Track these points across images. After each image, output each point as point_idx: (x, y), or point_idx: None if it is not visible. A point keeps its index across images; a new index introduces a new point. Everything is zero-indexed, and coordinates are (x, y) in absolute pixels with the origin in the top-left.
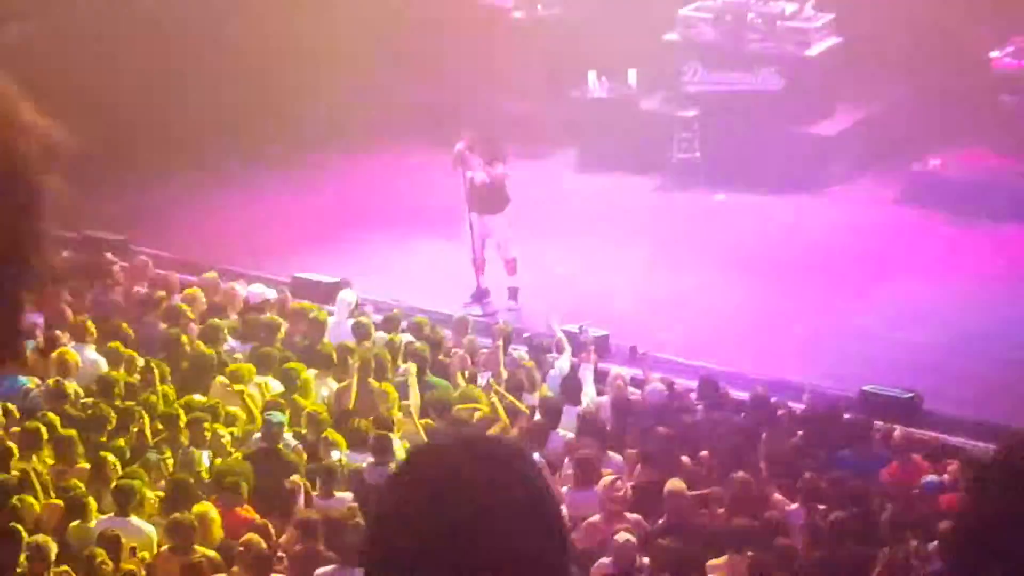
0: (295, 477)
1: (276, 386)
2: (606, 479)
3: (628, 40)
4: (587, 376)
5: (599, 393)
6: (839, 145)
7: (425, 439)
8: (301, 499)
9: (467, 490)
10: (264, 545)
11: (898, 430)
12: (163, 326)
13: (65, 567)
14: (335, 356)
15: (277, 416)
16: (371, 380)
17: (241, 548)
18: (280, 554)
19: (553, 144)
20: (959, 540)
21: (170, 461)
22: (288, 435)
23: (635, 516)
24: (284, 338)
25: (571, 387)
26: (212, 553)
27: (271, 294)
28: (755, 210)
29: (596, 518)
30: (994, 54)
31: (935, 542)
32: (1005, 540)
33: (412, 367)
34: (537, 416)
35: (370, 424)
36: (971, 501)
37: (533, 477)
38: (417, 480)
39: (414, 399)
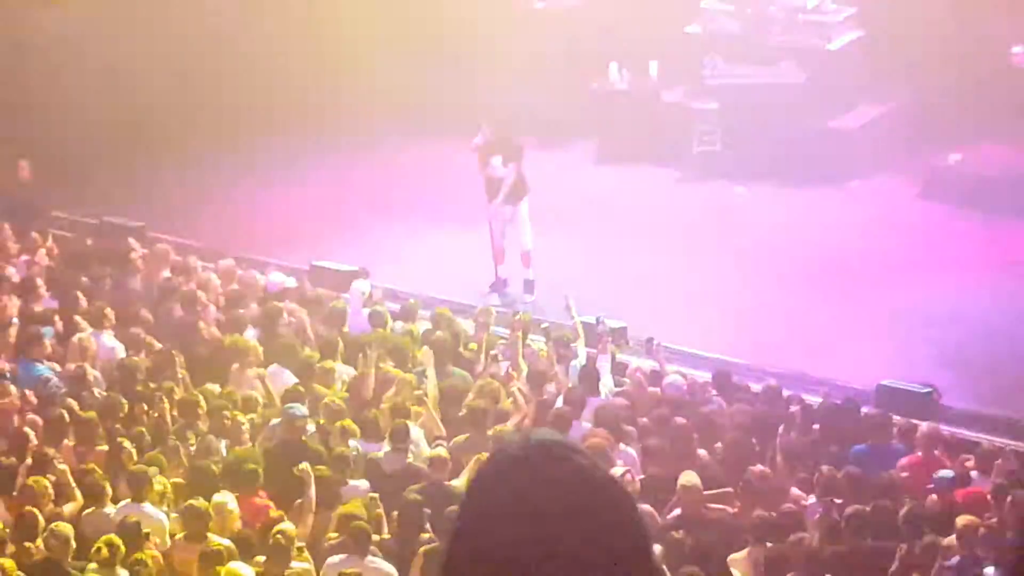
0: (303, 465)
1: (289, 376)
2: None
3: (649, 32)
4: (605, 367)
5: (618, 385)
6: (860, 139)
7: (442, 429)
8: (312, 488)
9: (545, 499)
10: (294, 535)
11: (924, 425)
12: (180, 313)
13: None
14: (341, 345)
15: (300, 409)
16: (388, 367)
17: (280, 535)
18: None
19: (573, 136)
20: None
21: (191, 448)
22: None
23: (645, 507)
24: (286, 325)
25: (589, 378)
26: (227, 542)
27: (291, 282)
28: (775, 203)
29: None
30: (1016, 50)
31: (952, 536)
32: None
33: (429, 353)
34: (559, 406)
35: (384, 413)
36: None
37: (600, 475)
38: (495, 489)
39: (431, 387)
